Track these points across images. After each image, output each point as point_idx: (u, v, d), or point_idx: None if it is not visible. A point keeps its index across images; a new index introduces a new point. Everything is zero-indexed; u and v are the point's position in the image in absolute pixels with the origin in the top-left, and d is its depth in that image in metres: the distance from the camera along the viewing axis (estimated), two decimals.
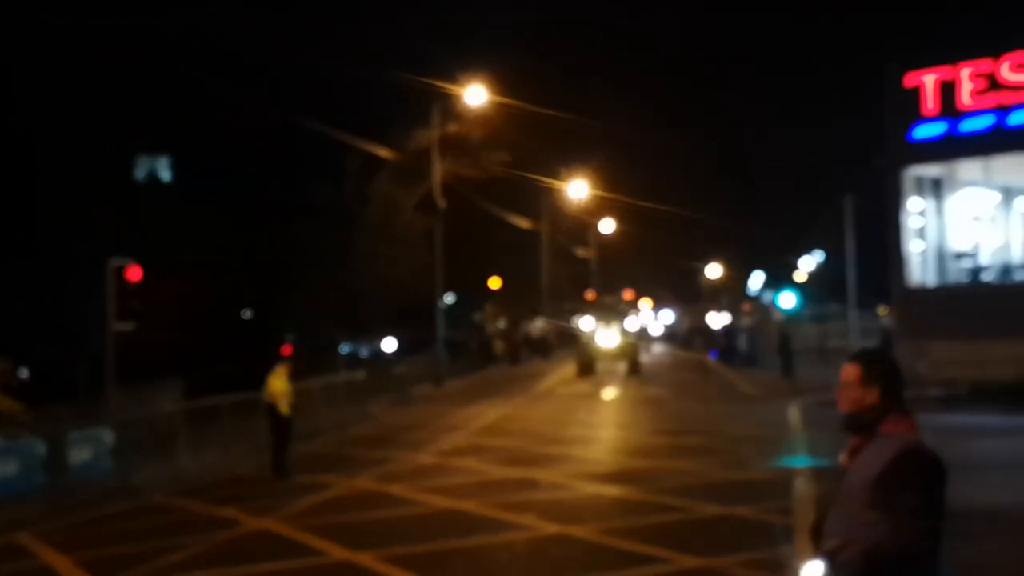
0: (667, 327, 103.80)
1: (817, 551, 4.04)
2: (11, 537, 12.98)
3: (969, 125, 29.02)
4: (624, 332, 46.98)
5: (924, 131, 29.88)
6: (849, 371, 4.08)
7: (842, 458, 4.11)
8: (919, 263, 31.72)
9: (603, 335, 45.74)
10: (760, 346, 47.53)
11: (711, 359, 52.67)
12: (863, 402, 4.00)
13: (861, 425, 4.02)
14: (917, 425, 4.00)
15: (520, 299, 72.02)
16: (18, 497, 15.23)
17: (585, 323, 50.07)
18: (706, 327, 75.33)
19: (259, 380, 19.52)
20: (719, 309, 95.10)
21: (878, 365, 4.07)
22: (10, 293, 32.16)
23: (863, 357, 4.14)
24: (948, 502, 3.89)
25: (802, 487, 13.66)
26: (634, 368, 43.80)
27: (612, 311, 49.43)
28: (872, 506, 3.82)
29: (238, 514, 13.82)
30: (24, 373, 18.50)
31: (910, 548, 3.73)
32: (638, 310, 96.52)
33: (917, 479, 3.80)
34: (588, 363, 44.12)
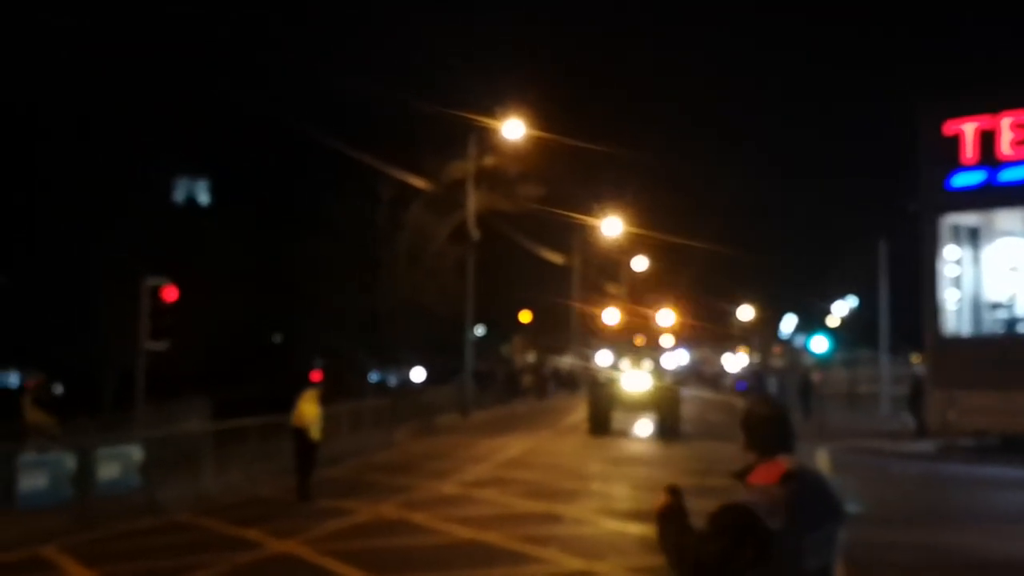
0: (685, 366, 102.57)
1: None
2: (37, 549, 13.07)
3: (1009, 175, 28.85)
4: (659, 372, 35.34)
5: (962, 179, 29.72)
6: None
7: None
8: (954, 312, 31.47)
9: (629, 375, 33.57)
10: (789, 389, 47.25)
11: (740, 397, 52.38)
12: (744, 446, 4.20)
13: (739, 473, 4.17)
14: (784, 477, 3.99)
15: (549, 334, 72.03)
16: (46, 510, 15.33)
17: (603, 357, 39.18)
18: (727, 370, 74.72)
19: (285, 402, 19.63)
20: (750, 351, 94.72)
21: (744, 420, 4.23)
22: (44, 308, 32.58)
23: (750, 404, 4.37)
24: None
25: None
26: (672, 426, 31.46)
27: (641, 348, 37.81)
28: None
29: (261, 536, 13.86)
30: (58, 388, 18.64)
31: (667, 556, 4.05)
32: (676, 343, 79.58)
33: (719, 522, 3.93)
34: (603, 415, 32.16)
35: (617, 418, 32.91)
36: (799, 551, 3.90)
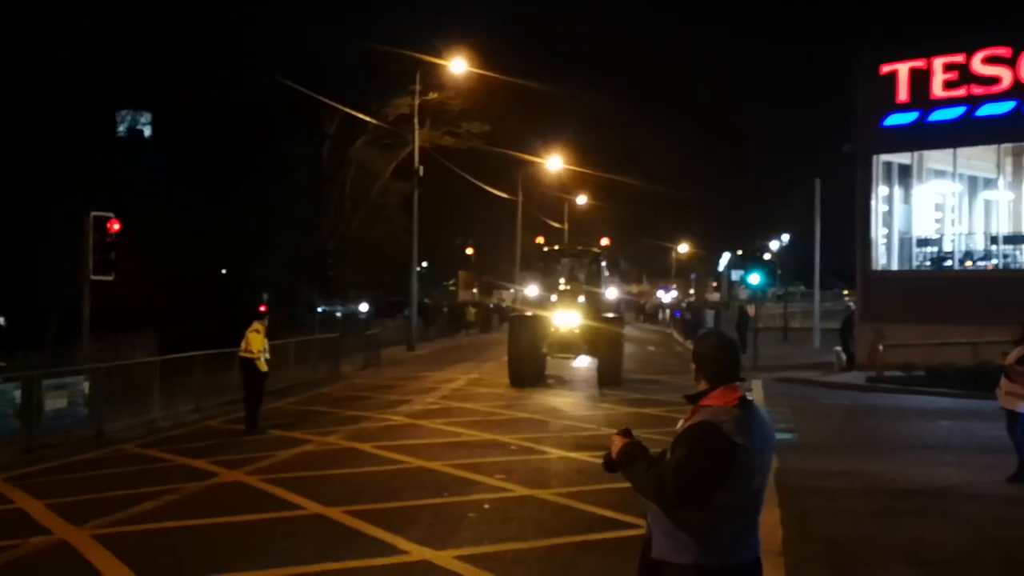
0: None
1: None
2: None
3: (939, 115, 29.59)
4: (595, 304, 27.98)
5: (896, 119, 30.42)
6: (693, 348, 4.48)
7: (678, 426, 4.40)
8: (884, 248, 32.36)
9: (561, 312, 26.84)
10: (724, 323, 48.26)
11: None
12: (699, 375, 4.38)
13: (692, 397, 4.37)
14: (740, 401, 4.24)
15: (493, 268, 72.45)
16: None
17: (531, 290, 33.64)
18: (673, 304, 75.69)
19: (232, 336, 19.83)
20: (688, 285, 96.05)
21: (696, 351, 4.42)
22: None
23: (701, 337, 4.57)
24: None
25: None
26: (612, 371, 26.16)
27: (581, 267, 29.46)
28: None
29: (210, 465, 14.10)
30: (1, 320, 18.56)
31: (646, 490, 4.18)
32: (619, 269, 78.07)
33: (689, 441, 4.11)
34: (525, 361, 26.06)
35: (549, 364, 27.79)
36: (751, 470, 4.14)
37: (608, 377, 25.89)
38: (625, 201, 73.60)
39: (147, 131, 51.97)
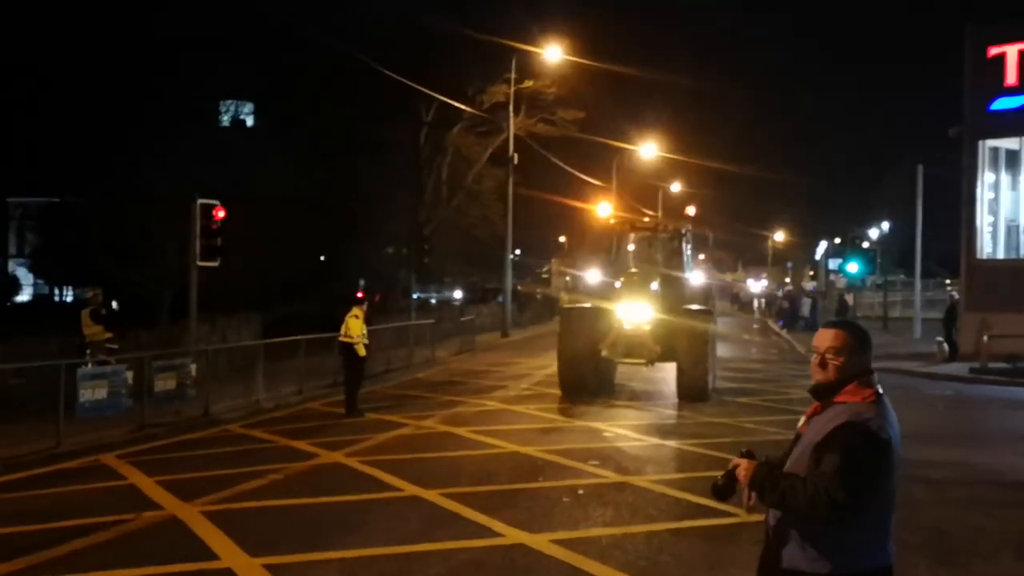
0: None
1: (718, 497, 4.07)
2: (100, 457, 13.78)
3: None
4: (673, 291, 21.81)
5: (1003, 103, 29.56)
6: (827, 338, 4.07)
7: (800, 423, 4.15)
8: (989, 236, 31.50)
9: (628, 303, 20.71)
10: (822, 312, 47.51)
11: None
12: (838, 368, 4.01)
13: (822, 392, 4.05)
14: (877, 396, 4.00)
15: (586, 256, 72.18)
16: (105, 420, 16.08)
17: (592, 274, 27.38)
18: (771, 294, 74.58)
19: (332, 321, 20.27)
20: (787, 273, 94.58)
21: (854, 334, 4.08)
22: (100, 225, 33.48)
23: (842, 326, 4.14)
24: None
25: None
26: (695, 382, 20.01)
27: (658, 245, 23.82)
28: (810, 471, 3.87)
29: (311, 446, 14.46)
30: (115, 305, 19.22)
31: (812, 507, 3.77)
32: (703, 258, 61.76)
33: (846, 445, 3.80)
34: (581, 366, 20.63)
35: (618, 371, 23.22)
36: (893, 469, 3.93)
37: (690, 390, 19.97)
38: (720, 188, 72.85)
39: (249, 120, 53.25)
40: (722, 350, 29.12)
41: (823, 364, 4.04)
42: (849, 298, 37.02)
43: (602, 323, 20.91)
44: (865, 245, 54.76)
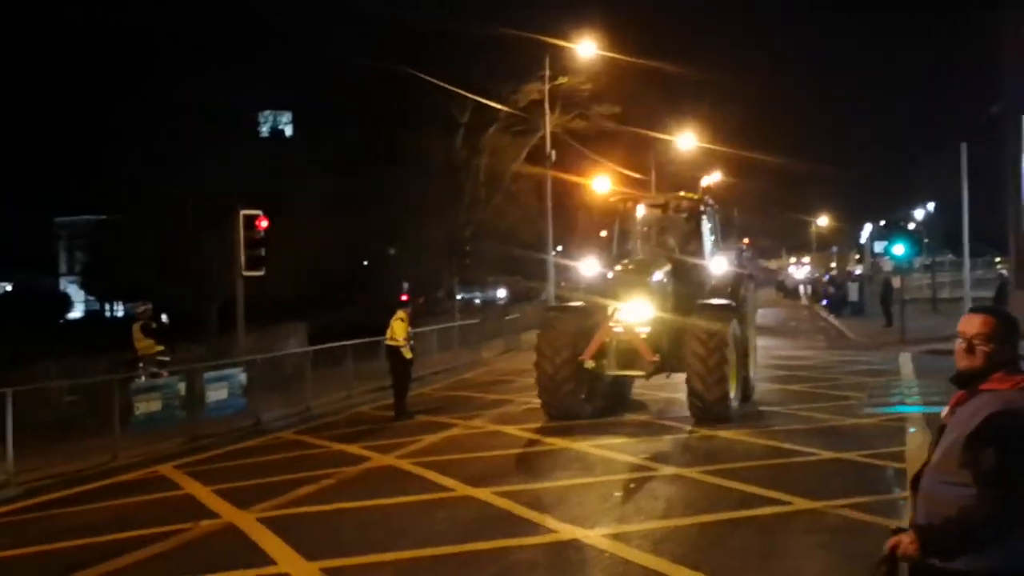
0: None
1: (914, 501, 3.95)
2: (156, 468, 13.98)
3: None
4: (686, 282, 17.90)
5: None
6: (975, 324, 3.93)
7: (944, 413, 4.00)
8: None
9: (625, 298, 16.84)
10: (869, 295, 47.00)
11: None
12: (987, 355, 3.85)
13: (968, 379, 3.90)
14: (1020, 383, 3.80)
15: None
16: (160, 432, 16.27)
17: (589, 264, 20.18)
18: (817, 279, 73.83)
19: (375, 326, 20.39)
20: (833, 259, 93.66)
21: (1004, 320, 3.92)
22: (146, 240, 33.94)
23: (991, 312, 3.99)
24: None
25: (915, 433, 13.85)
26: (711, 399, 15.59)
27: (671, 225, 19.64)
28: (963, 464, 3.72)
29: (363, 450, 14.57)
30: (164, 318, 19.44)
31: (983, 519, 3.62)
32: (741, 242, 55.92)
33: (1002, 439, 3.65)
34: (562, 379, 16.75)
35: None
36: None
37: (705, 409, 15.70)
38: (761, 175, 71.81)
39: (288, 131, 53.72)
40: (767, 341, 28.89)
41: (971, 350, 3.89)
42: (896, 281, 36.40)
43: (589, 327, 17.01)
44: (911, 227, 54.10)
